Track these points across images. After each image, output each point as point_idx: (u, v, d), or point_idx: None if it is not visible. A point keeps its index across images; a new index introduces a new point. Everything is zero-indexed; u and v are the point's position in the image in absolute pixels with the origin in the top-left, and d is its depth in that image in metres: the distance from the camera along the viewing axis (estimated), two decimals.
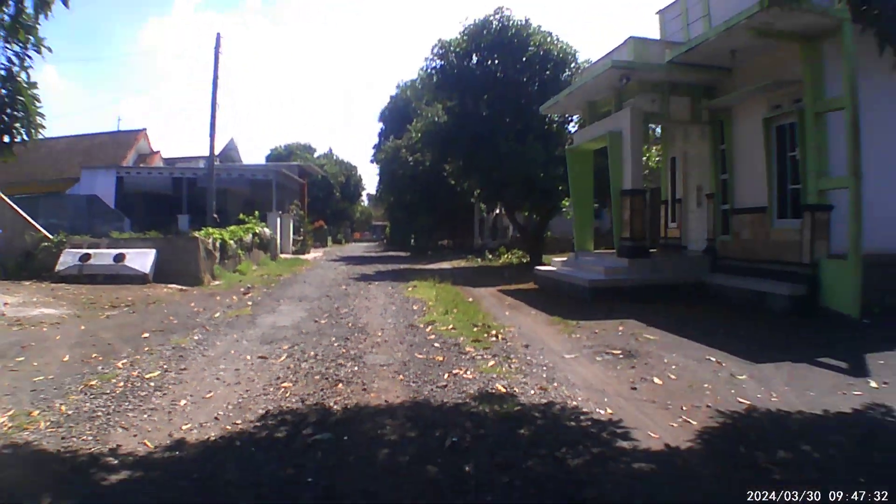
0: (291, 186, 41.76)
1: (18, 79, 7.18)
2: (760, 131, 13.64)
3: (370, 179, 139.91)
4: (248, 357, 8.42)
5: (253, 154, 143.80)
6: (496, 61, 23.86)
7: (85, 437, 5.31)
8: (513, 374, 7.34)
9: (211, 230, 22.26)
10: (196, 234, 20.84)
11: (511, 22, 24.03)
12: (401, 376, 7.29)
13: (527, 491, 4.14)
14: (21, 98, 7.29)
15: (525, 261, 25.82)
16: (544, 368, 7.61)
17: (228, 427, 5.52)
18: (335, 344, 9.28)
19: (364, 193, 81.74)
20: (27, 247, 19.66)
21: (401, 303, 14.21)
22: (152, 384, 7.02)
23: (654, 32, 18.05)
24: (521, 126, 22.93)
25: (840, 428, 5.45)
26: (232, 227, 24.76)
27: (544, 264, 19.97)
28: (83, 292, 15.83)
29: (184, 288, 17.59)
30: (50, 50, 7.56)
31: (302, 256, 34.40)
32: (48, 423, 5.66)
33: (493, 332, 10.08)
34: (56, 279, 18.16)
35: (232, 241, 22.73)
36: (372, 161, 47.56)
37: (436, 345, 9.13)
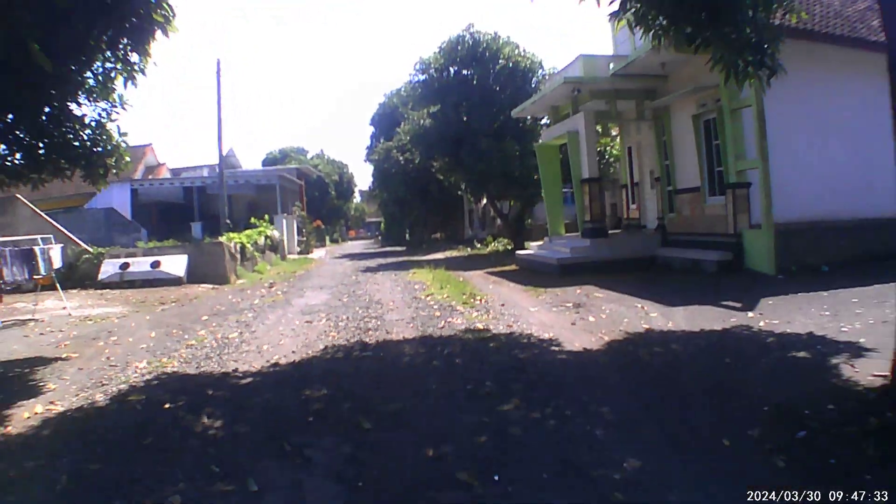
0: (292, 188, 44.53)
1: (108, 127, 10.09)
2: (691, 125, 16.61)
3: (361, 177, 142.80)
4: (297, 322, 11.38)
5: (250, 158, 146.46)
6: (471, 72, 26.78)
7: (211, 367, 8.24)
8: (489, 319, 10.31)
9: (231, 235, 25.02)
10: (220, 239, 23.59)
11: (481, 37, 26.97)
12: (411, 324, 10.28)
13: (491, 370, 7.10)
14: (113, 143, 10.23)
15: (510, 247, 28.65)
16: (512, 316, 10.57)
17: (304, 355, 8.49)
18: (359, 311, 12.25)
19: (357, 190, 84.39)
20: (70, 259, 22.24)
21: (404, 285, 17.13)
22: (236, 340, 9.96)
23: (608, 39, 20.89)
24: (497, 126, 25.84)
25: (704, 337, 8.33)
26: (247, 231, 27.52)
27: (525, 249, 22.85)
28: (129, 295, 18.48)
29: (215, 287, 20.27)
30: (131, 105, 10.53)
31: (307, 255, 37.19)
32: (180, 363, 8.58)
33: (478, 298, 13.06)
34: (99, 286, 20.73)
35: (249, 245, 25.54)
36: (366, 160, 50.54)
37: (434, 307, 12.12)
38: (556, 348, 8.00)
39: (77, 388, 7.55)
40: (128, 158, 11.15)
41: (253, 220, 31.11)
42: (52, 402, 6.88)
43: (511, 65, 26.42)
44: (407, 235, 46.44)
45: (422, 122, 29.11)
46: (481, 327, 9.61)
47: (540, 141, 22.02)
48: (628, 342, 8.20)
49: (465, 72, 26.98)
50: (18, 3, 7.08)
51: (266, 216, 32.25)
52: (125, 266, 21.63)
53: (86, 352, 9.93)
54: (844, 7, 16.47)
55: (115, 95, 9.92)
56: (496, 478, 4.25)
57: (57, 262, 20.28)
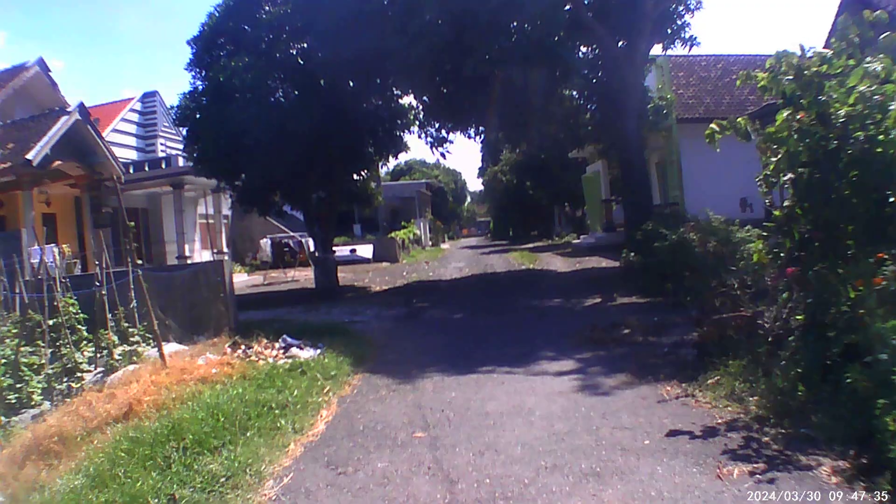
0: (424, 198, 59.60)
1: (370, 184, 25.12)
2: (654, 169, 30.27)
3: (472, 182, 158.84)
4: (454, 272, 26.22)
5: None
6: None
7: (430, 279, 23.10)
8: (536, 266, 24.83)
9: (394, 233, 40.18)
10: (391, 235, 38.74)
11: None
12: (503, 268, 25.02)
13: (528, 275, 21.66)
14: (372, 192, 25.29)
15: (575, 239, 42.71)
16: (546, 266, 24.98)
17: (462, 276, 23.36)
18: (481, 266, 27.11)
19: (469, 194, 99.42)
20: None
21: (504, 259, 31.67)
22: (432, 275, 24.86)
23: None
24: (563, 161, 39.81)
25: (612, 268, 22.38)
26: (403, 230, 42.66)
27: (578, 239, 36.82)
28: (340, 268, 33.16)
29: (392, 264, 34.85)
30: (379, 176, 25.65)
31: (438, 247, 52.29)
32: (419, 279, 23.39)
33: (537, 261, 27.47)
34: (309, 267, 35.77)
35: (407, 238, 40.67)
36: (478, 177, 65.28)
37: (514, 264, 26.82)
38: (554, 271, 22.41)
39: (385, 285, 22.18)
40: (380, 199, 26.26)
41: (403, 223, 46.30)
42: (380, 286, 21.68)
43: None
44: (510, 232, 60.71)
45: (516, 154, 43.58)
46: (531, 268, 24.14)
47: (585, 174, 36.00)
48: (580, 270, 22.36)
49: None
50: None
51: (412, 220, 47.48)
52: (332, 252, 36.48)
53: (362, 282, 24.57)
54: (750, 93, 29.38)
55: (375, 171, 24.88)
56: (518, 284, 18.87)
57: (311, 247, 35.54)
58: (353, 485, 4.75)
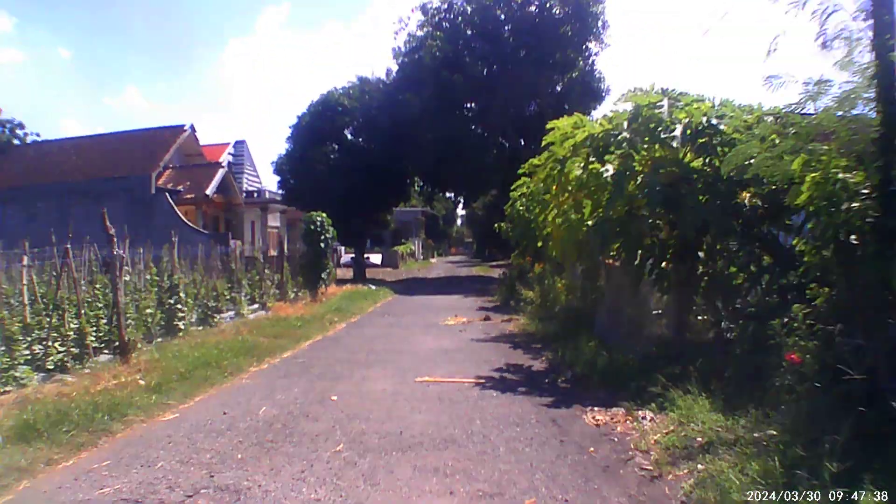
0: (418, 223, 75.77)
1: (384, 216, 41.48)
2: None
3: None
4: (436, 275, 42.63)
5: None
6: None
7: (421, 277, 39.34)
8: (485, 274, 41.06)
9: (396, 247, 56.27)
10: (395, 248, 54.85)
11: None
12: (466, 274, 41.54)
13: (479, 277, 37.95)
14: (386, 221, 41.71)
15: None
16: (492, 274, 41.22)
17: (440, 276, 39.73)
18: (452, 273, 43.76)
19: (459, 218, 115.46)
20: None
21: (469, 270, 48.03)
22: (422, 276, 41.26)
23: None
24: None
25: None
26: (402, 246, 58.71)
27: None
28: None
29: (393, 269, 50.79)
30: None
31: (428, 261, 68.46)
32: (415, 276, 39.54)
33: (489, 272, 43.56)
34: (342, 267, 51.61)
35: (405, 252, 56.77)
36: (463, 209, 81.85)
37: (473, 273, 43.26)
38: (492, 276, 38.48)
39: (392, 278, 37.89)
40: (393, 225, 42.70)
41: (402, 240, 62.35)
42: (390, 278, 37.71)
43: None
44: (486, 253, 77.03)
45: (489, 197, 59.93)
46: (481, 274, 40.39)
47: None
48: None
49: None
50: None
51: (409, 238, 63.63)
52: (351, 257, 52.54)
53: (378, 276, 40.52)
54: None
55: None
56: (466, 280, 35.16)
57: (342, 253, 51.89)
58: (396, 307, 21.16)
